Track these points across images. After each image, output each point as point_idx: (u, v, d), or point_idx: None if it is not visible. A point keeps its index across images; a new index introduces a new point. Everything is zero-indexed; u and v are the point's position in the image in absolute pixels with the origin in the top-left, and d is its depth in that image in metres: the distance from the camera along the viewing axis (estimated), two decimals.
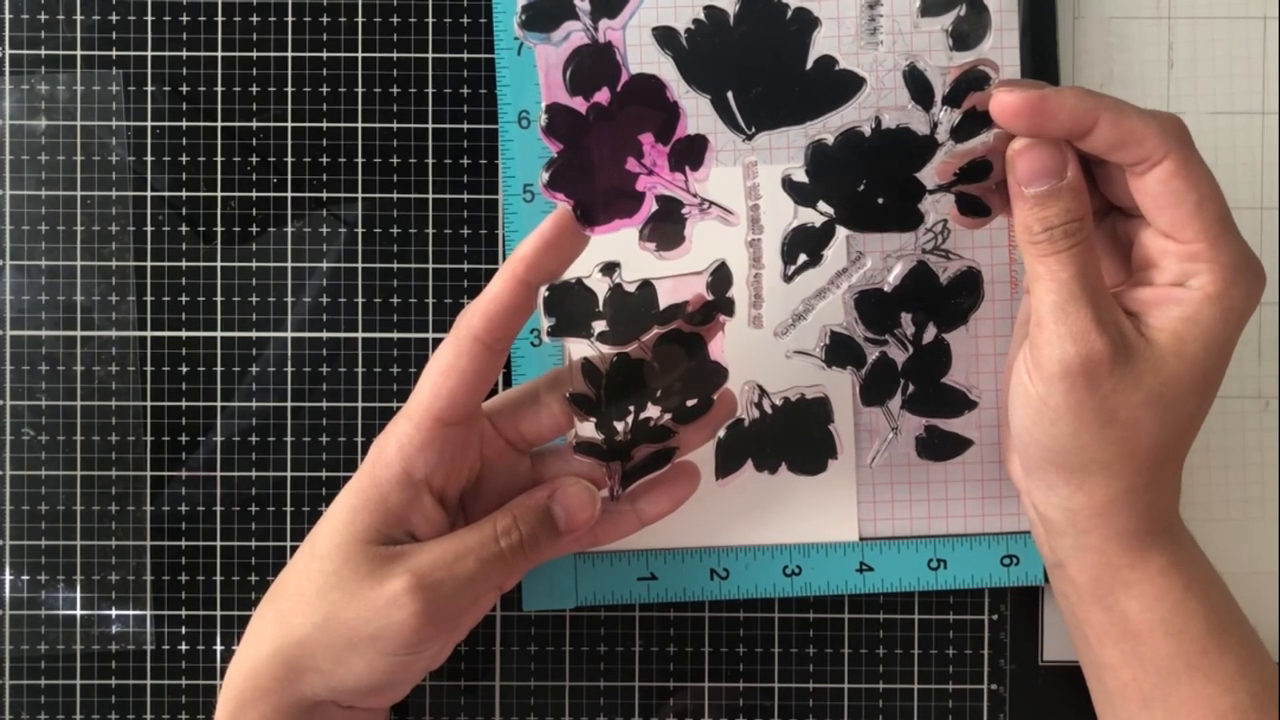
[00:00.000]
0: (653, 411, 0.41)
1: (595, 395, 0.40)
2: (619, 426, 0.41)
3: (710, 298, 0.40)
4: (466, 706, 0.48)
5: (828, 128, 0.39)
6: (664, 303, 0.40)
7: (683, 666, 0.48)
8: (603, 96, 0.37)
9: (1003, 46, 0.46)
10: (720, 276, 0.40)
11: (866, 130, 0.39)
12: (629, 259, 0.39)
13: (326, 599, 0.38)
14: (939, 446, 0.44)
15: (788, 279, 0.41)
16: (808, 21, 0.38)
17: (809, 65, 0.38)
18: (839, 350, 0.42)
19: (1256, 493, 0.48)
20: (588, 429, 0.41)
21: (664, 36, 0.38)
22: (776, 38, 0.38)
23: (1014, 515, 0.47)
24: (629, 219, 0.39)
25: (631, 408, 0.41)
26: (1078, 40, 0.47)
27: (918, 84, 0.38)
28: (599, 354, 0.40)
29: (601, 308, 0.39)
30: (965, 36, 0.38)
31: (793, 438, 0.43)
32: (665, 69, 0.38)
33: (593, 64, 0.37)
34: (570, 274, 0.39)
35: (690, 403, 0.42)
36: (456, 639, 0.41)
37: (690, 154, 0.38)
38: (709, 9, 0.37)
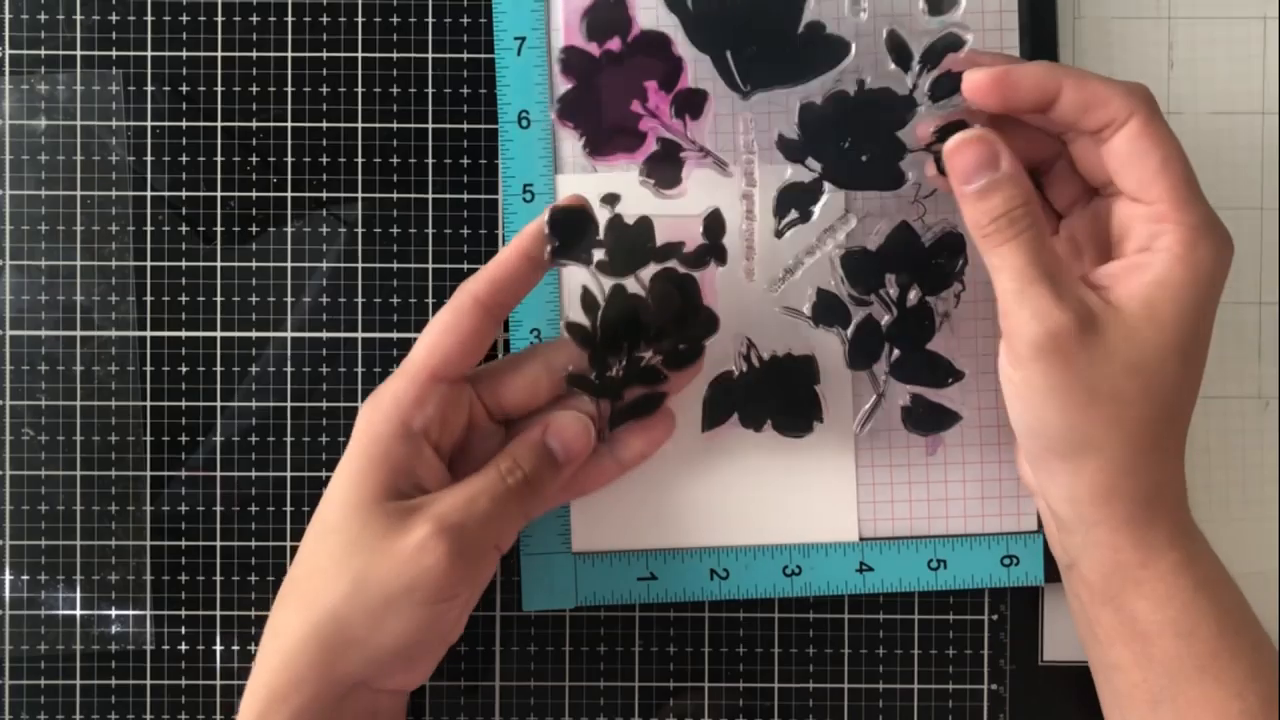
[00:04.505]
0: (646, 353, 0.42)
1: (591, 326, 0.42)
2: (612, 363, 0.42)
3: (704, 242, 0.42)
4: (466, 707, 0.48)
5: (815, 91, 0.42)
6: (660, 241, 0.42)
7: (683, 666, 0.48)
8: (614, 44, 0.42)
9: (1002, 47, 0.46)
10: (714, 222, 0.42)
11: (851, 90, 0.42)
12: (627, 203, 0.42)
13: (350, 566, 0.38)
14: (926, 418, 0.45)
15: (778, 234, 0.43)
16: None
17: (800, 29, 0.42)
18: (826, 309, 0.44)
19: (1256, 493, 0.48)
20: (581, 362, 0.42)
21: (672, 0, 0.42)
22: (772, 3, 0.42)
23: (1014, 515, 0.47)
24: (631, 154, 0.43)
25: (626, 345, 0.42)
26: (1078, 40, 0.47)
27: (897, 47, 0.41)
28: (598, 286, 0.42)
29: (601, 236, 0.41)
30: (939, 2, 0.41)
31: (779, 395, 0.44)
32: (671, 28, 0.42)
33: (608, 15, 0.42)
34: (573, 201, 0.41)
35: (681, 347, 0.43)
36: (478, 591, 0.41)
37: (690, 104, 0.42)
38: None
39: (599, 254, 0.41)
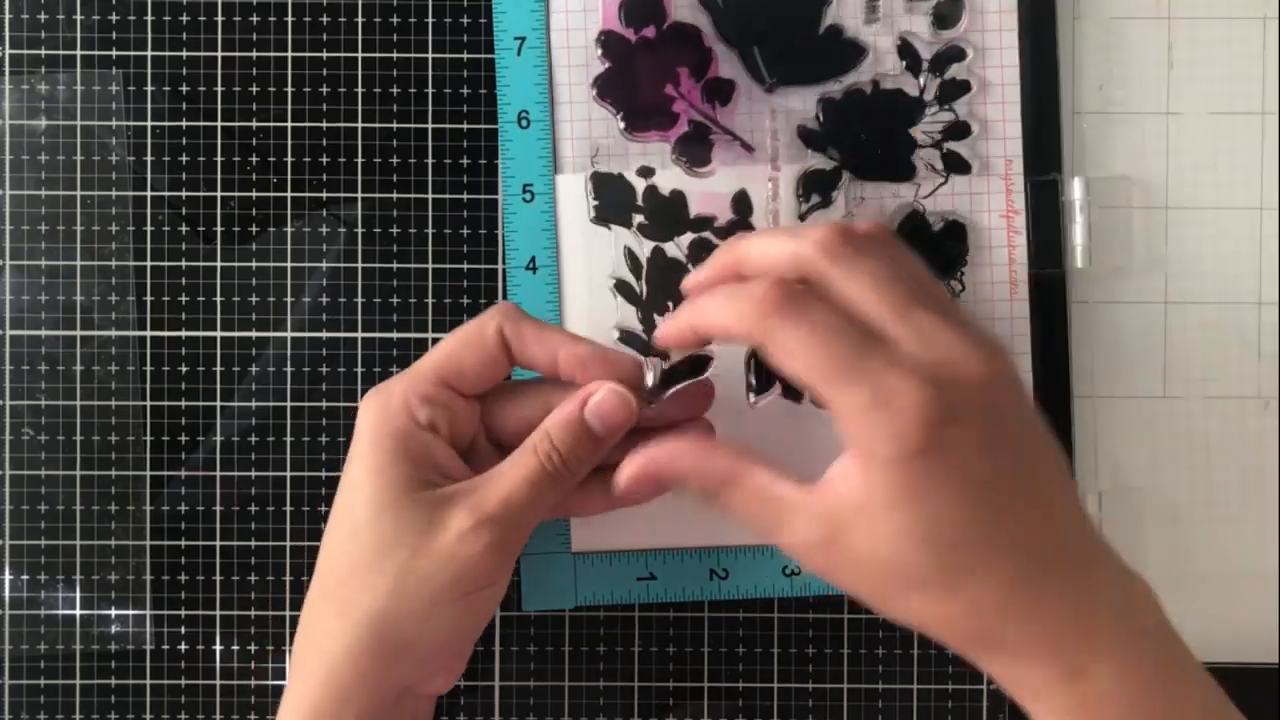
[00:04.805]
0: None
1: (636, 282, 0.45)
2: (658, 320, 0.44)
3: (734, 217, 0.45)
4: (466, 707, 0.48)
5: (835, 89, 0.46)
6: (693, 213, 0.45)
7: (683, 667, 0.48)
8: (649, 32, 0.46)
9: (1002, 47, 0.46)
10: (741, 201, 0.45)
11: (868, 90, 0.46)
12: (659, 180, 0.46)
13: (393, 563, 0.38)
14: None
15: (802, 218, 0.46)
16: None
17: (821, 31, 0.46)
18: None
19: (1256, 493, 0.47)
20: (630, 320, 0.44)
21: None
22: (795, 6, 0.46)
23: None
24: (664, 133, 0.46)
25: (670, 304, 0.44)
26: (1078, 40, 0.47)
27: (909, 55, 0.46)
28: (640, 247, 0.45)
29: (640, 202, 0.45)
30: (945, 18, 0.46)
31: None
32: (702, 21, 0.46)
33: (644, 3, 0.46)
34: (612, 169, 0.46)
35: None
36: (510, 577, 0.41)
37: (720, 92, 0.46)
38: None
39: (639, 218, 0.45)
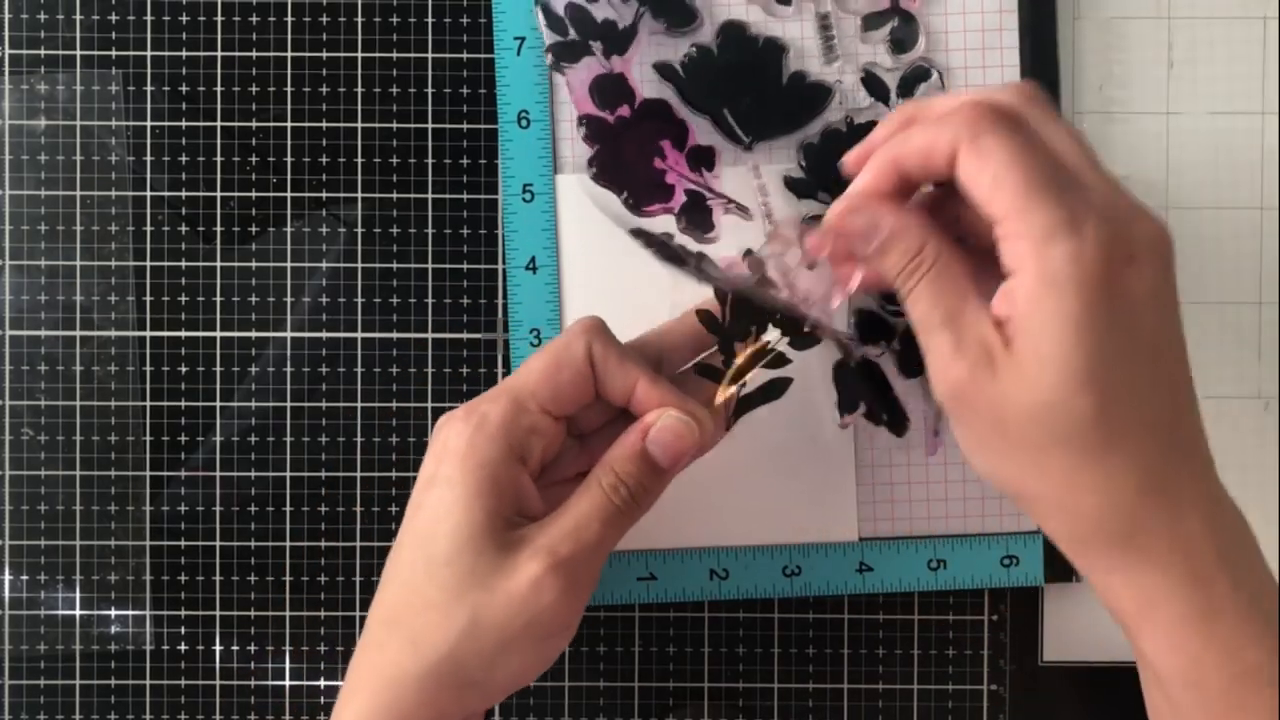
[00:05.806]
0: (772, 335, 0.42)
1: (721, 312, 0.42)
2: (739, 350, 0.42)
3: (752, 274, 0.44)
4: None
5: (811, 133, 0.46)
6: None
7: (683, 667, 0.48)
8: (624, 111, 0.46)
9: (1002, 46, 0.46)
10: (753, 260, 0.44)
11: (843, 128, 0.46)
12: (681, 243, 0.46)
13: (465, 603, 0.37)
14: None
15: (810, 267, 0.45)
16: (776, 47, 0.46)
17: (784, 81, 0.46)
18: (869, 327, 0.46)
19: (1256, 493, 0.47)
20: (711, 356, 0.43)
21: (664, 69, 0.46)
22: (753, 62, 0.46)
23: (1014, 515, 0.47)
24: (666, 204, 0.46)
25: (754, 328, 0.42)
26: (1078, 40, 0.47)
27: (874, 85, 0.46)
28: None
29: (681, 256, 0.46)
30: (902, 42, 0.46)
31: (876, 394, 0.46)
32: (668, 94, 0.46)
33: (612, 87, 0.46)
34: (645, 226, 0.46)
35: (806, 329, 0.42)
36: (581, 614, 0.40)
37: (703, 159, 0.46)
38: (695, 46, 0.46)
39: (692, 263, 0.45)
